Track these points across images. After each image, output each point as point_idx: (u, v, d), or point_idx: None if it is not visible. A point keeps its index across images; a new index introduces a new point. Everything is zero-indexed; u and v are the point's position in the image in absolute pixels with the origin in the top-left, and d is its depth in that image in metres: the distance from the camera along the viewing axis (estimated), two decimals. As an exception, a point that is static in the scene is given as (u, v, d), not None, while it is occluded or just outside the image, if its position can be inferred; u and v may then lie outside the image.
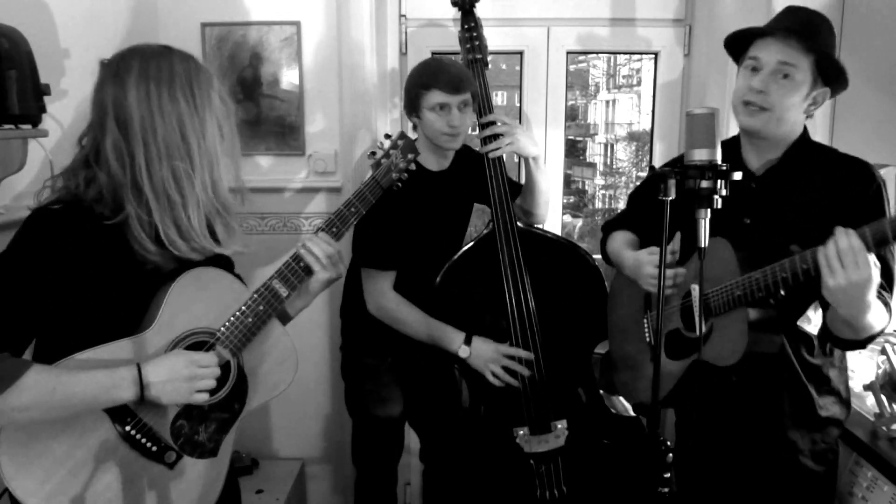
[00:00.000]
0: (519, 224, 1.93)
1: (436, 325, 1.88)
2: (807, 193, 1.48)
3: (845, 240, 1.23)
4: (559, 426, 1.88)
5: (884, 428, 1.74)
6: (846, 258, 1.22)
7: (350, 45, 2.37)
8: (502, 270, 1.88)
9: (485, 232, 1.93)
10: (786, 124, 1.49)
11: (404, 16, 2.50)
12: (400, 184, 1.56)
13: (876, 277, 1.23)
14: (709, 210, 1.23)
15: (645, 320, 1.73)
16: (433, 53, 2.50)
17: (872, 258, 1.23)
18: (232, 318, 1.31)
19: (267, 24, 2.39)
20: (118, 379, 1.15)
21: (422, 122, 1.88)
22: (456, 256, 1.90)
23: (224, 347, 1.30)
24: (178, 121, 1.19)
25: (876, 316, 1.33)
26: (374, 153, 1.56)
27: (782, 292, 1.36)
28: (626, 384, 1.85)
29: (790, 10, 1.52)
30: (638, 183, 1.94)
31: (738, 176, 1.24)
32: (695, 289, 1.50)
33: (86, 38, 2.03)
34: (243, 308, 1.32)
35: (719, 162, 1.23)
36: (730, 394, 1.57)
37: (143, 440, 1.23)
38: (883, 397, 1.76)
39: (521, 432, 1.88)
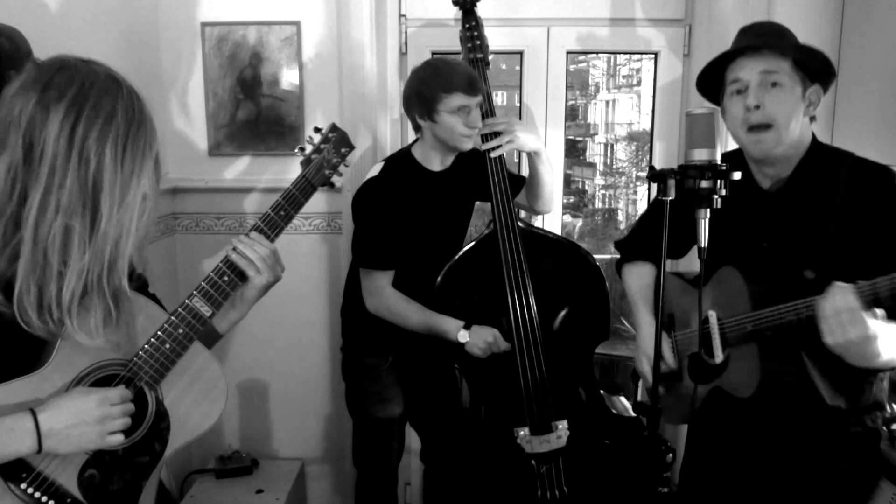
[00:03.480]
0: (520, 224, 1.93)
1: (434, 316, 1.89)
2: (823, 208, 1.40)
3: (841, 299, 1.18)
4: (560, 426, 1.88)
5: (884, 428, 1.73)
6: (842, 317, 1.18)
7: (350, 45, 2.37)
8: (503, 270, 1.88)
9: (486, 232, 1.93)
10: (793, 134, 1.41)
11: (404, 16, 2.50)
12: (333, 183, 1.43)
13: (875, 333, 1.17)
14: (708, 210, 1.23)
15: (669, 339, 1.72)
16: (433, 53, 2.50)
17: (878, 314, 1.17)
18: (146, 346, 1.13)
19: (267, 24, 2.39)
20: (7, 430, 0.96)
21: (437, 125, 1.86)
22: (457, 256, 1.90)
23: (139, 380, 1.12)
24: (96, 175, 0.98)
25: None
26: (302, 149, 1.42)
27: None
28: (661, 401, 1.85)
29: (745, 30, 1.48)
30: (640, 183, 1.94)
31: (737, 176, 1.24)
32: (712, 315, 1.47)
33: (86, 38, 2.03)
34: (159, 333, 1.14)
35: (719, 162, 1.23)
36: (753, 422, 1.52)
37: (45, 499, 1.04)
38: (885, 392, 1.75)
39: (522, 433, 1.88)
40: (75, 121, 0.96)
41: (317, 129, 1.44)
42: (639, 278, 1.76)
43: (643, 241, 1.78)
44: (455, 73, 1.83)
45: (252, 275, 1.24)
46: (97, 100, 0.98)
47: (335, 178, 1.45)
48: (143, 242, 1.09)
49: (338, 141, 1.42)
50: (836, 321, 1.19)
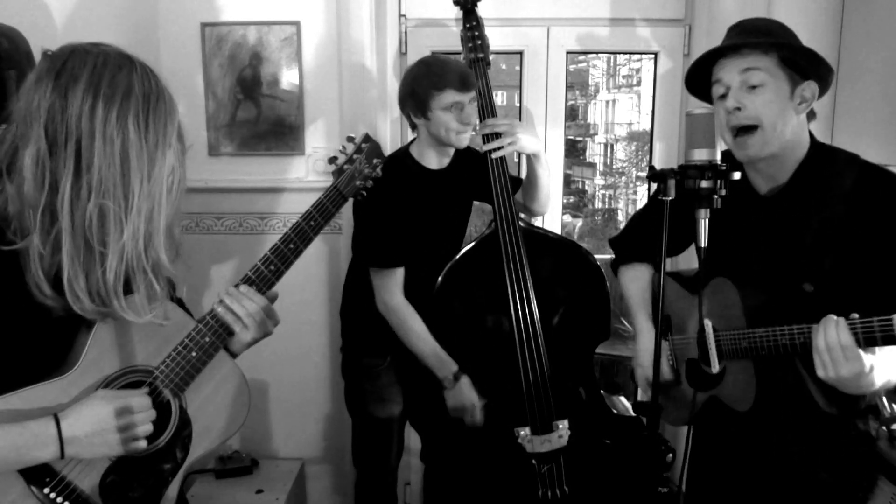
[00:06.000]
0: (521, 223, 1.93)
1: (435, 349, 1.88)
2: (823, 214, 1.33)
3: (833, 335, 1.15)
4: (561, 426, 1.88)
5: (884, 428, 1.74)
6: (834, 353, 1.15)
7: (350, 45, 2.37)
8: (505, 270, 1.88)
9: (486, 232, 1.93)
10: (782, 135, 1.34)
11: (404, 15, 2.50)
12: (364, 192, 1.41)
13: (870, 367, 1.14)
14: (708, 210, 1.23)
15: (667, 343, 1.70)
16: (433, 53, 2.50)
17: (869, 351, 1.14)
18: (172, 353, 1.12)
19: (267, 24, 2.39)
20: (31, 436, 0.96)
21: (431, 122, 1.87)
22: (458, 257, 1.90)
23: (164, 387, 1.11)
24: (123, 152, 0.97)
25: (891, 372, 1.22)
26: (334, 158, 1.40)
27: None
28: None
29: (733, 27, 1.42)
30: (640, 183, 1.94)
31: (737, 175, 1.24)
32: (708, 325, 1.45)
33: (86, 38, 2.02)
34: (186, 341, 1.13)
35: (719, 161, 1.23)
36: (751, 430, 1.51)
37: (66, 503, 1.03)
38: (883, 397, 1.75)
39: (523, 432, 1.87)
40: (94, 101, 0.96)
41: (350, 139, 1.41)
42: (636, 281, 1.75)
43: (638, 241, 1.75)
44: (447, 70, 1.84)
45: (238, 330, 1.18)
46: (112, 77, 0.98)
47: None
48: (175, 220, 1.08)
49: (370, 151, 1.39)
50: (828, 356, 1.16)
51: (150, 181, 1.00)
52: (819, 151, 1.39)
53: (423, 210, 1.93)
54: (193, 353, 1.13)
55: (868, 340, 1.13)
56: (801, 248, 1.36)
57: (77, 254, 0.98)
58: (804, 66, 1.34)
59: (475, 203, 2.14)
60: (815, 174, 1.37)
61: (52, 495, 1.03)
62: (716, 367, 1.44)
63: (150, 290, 1.04)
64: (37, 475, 1.02)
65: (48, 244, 0.97)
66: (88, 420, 0.99)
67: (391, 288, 1.91)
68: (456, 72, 1.84)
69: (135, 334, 1.09)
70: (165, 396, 1.11)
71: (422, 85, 1.85)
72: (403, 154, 1.98)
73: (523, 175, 2.14)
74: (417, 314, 1.92)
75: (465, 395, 1.86)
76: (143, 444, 1.06)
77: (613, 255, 1.85)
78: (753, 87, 1.33)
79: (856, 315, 1.16)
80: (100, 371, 1.06)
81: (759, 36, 1.35)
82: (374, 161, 1.39)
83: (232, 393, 1.21)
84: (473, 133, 1.95)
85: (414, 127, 1.96)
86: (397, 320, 1.92)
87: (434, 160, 1.97)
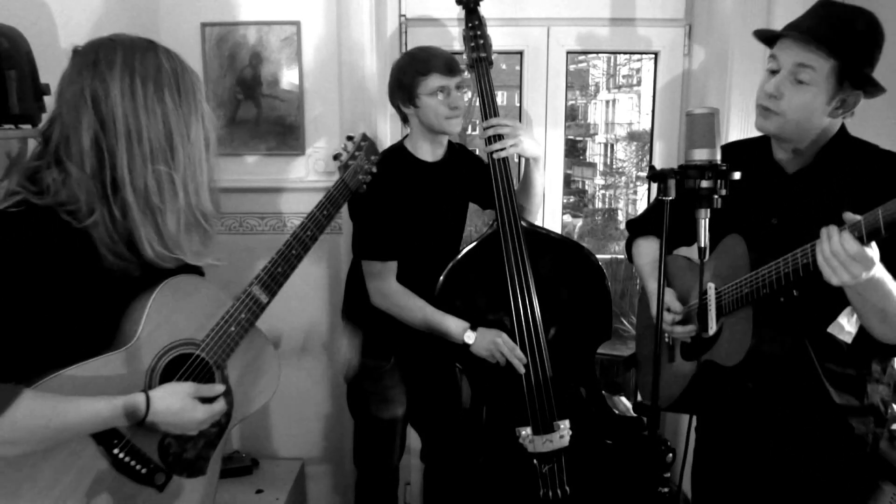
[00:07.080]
0: (523, 223, 1.93)
1: (439, 315, 1.88)
2: (838, 193, 1.38)
3: (836, 240, 1.17)
4: (562, 426, 1.88)
5: (883, 430, 1.73)
6: (841, 257, 1.17)
7: (350, 44, 2.37)
8: (506, 270, 1.88)
9: (488, 232, 1.93)
10: (807, 129, 1.40)
11: (404, 16, 2.50)
12: (365, 186, 1.56)
13: (876, 260, 1.16)
14: (709, 210, 1.23)
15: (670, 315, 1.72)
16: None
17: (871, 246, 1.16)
18: (215, 328, 1.27)
19: (267, 24, 2.39)
20: (119, 406, 1.10)
21: (420, 109, 1.89)
22: (459, 256, 1.90)
23: (209, 358, 1.26)
24: (164, 121, 1.12)
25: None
26: (339, 155, 1.54)
27: (795, 292, 1.31)
28: (646, 384, 1.86)
29: (822, 5, 1.40)
30: (640, 183, 1.95)
31: (737, 175, 1.24)
32: (711, 287, 1.48)
33: (86, 38, 2.02)
34: (226, 317, 1.28)
35: (719, 161, 1.23)
36: (745, 398, 1.53)
37: (132, 462, 1.18)
38: (883, 398, 1.75)
39: (525, 432, 1.88)
40: (131, 81, 1.09)
41: (349, 138, 1.55)
42: (648, 253, 1.78)
43: (653, 219, 1.81)
44: (430, 56, 1.87)
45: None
46: (142, 58, 1.11)
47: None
48: (212, 175, 1.23)
49: (369, 149, 1.55)
50: (836, 261, 1.17)
51: (190, 142, 1.15)
52: (844, 138, 1.44)
53: (420, 202, 1.93)
54: (232, 328, 1.28)
55: (872, 232, 1.14)
56: (814, 221, 1.37)
57: (143, 215, 1.13)
58: (858, 79, 1.36)
59: (474, 203, 2.14)
60: (836, 158, 1.42)
61: (120, 455, 1.16)
62: (713, 328, 1.47)
63: (204, 235, 1.21)
64: (106, 438, 1.14)
65: (117, 210, 1.11)
66: (167, 401, 1.15)
67: (385, 281, 1.92)
68: (440, 57, 1.88)
69: (182, 311, 1.23)
70: (211, 368, 1.26)
71: (407, 73, 1.88)
72: (398, 148, 1.99)
73: (520, 179, 2.14)
74: (412, 292, 1.92)
75: (490, 336, 1.85)
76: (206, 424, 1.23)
77: (628, 235, 1.88)
78: (799, 82, 1.36)
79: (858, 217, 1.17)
80: (156, 343, 1.20)
81: (835, 35, 1.34)
82: (372, 157, 1.55)
83: (265, 363, 1.38)
84: (473, 133, 1.96)
85: (405, 121, 1.97)
86: (396, 307, 1.92)
87: (428, 152, 1.98)
